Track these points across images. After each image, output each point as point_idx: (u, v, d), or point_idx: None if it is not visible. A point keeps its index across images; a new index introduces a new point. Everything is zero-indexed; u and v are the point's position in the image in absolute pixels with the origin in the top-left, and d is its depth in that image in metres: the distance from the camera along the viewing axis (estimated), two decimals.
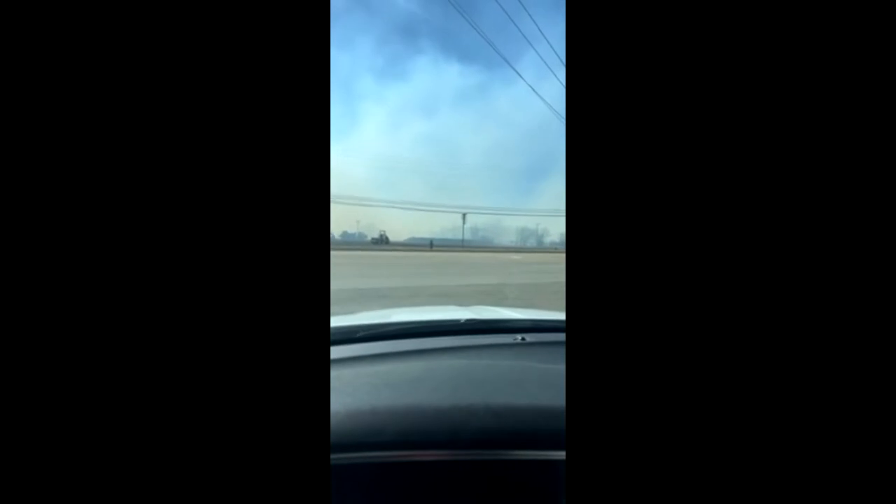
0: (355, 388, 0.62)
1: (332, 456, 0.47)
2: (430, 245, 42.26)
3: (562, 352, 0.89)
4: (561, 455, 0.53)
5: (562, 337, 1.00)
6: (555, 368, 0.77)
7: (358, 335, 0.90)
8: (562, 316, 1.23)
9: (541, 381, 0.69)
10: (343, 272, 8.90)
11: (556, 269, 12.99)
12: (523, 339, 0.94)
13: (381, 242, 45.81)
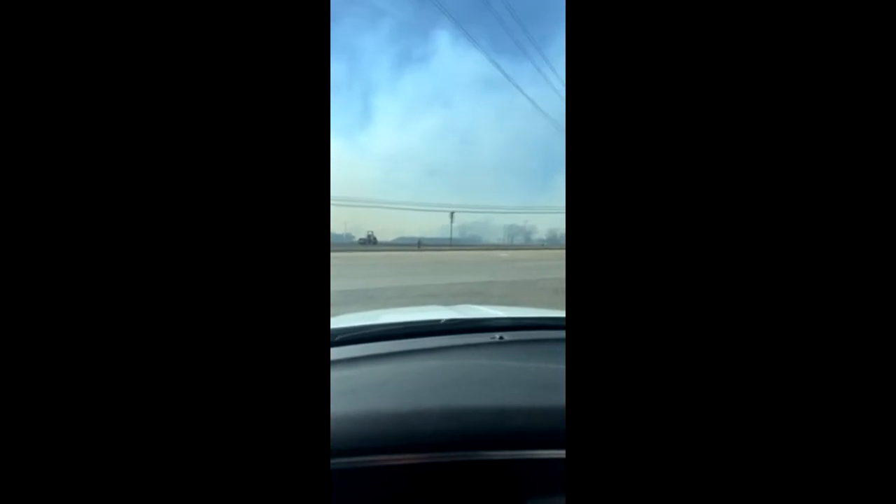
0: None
1: None
2: (418, 244, 42.18)
3: (539, 349, 0.90)
4: (523, 454, 0.54)
5: (541, 334, 1.01)
6: (528, 367, 0.78)
7: (336, 339, 0.90)
8: (543, 313, 1.25)
9: (512, 380, 0.70)
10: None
11: (543, 265, 13.11)
12: (501, 337, 0.95)
13: (369, 243, 45.44)
